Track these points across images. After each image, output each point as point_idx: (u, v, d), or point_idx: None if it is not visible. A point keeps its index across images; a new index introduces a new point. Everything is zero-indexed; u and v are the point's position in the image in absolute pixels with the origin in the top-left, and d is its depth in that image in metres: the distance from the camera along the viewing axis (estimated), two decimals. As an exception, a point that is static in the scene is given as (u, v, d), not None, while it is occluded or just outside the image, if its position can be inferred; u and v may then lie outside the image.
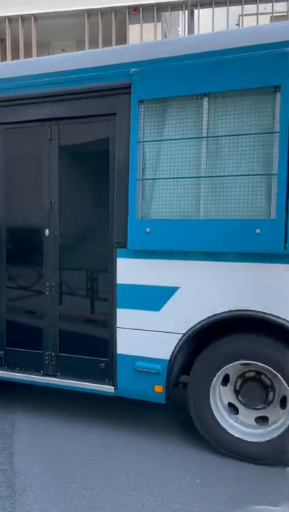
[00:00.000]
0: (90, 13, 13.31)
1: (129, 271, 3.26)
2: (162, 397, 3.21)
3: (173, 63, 3.05)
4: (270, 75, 2.83)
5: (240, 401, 3.17)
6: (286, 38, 2.82)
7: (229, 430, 3.12)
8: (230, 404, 3.21)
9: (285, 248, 2.82)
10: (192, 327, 3.08)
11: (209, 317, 3.04)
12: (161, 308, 3.18)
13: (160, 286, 3.17)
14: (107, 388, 3.38)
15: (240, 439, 3.10)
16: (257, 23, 10.33)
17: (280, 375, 2.94)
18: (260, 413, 3.14)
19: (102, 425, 3.62)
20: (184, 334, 3.10)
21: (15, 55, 16.09)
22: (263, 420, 3.14)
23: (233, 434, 3.12)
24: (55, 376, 3.58)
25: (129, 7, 12.63)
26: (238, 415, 3.18)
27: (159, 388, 3.21)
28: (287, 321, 2.87)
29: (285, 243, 2.81)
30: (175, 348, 3.13)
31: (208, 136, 3.03)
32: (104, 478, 2.89)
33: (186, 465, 3.06)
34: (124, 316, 3.29)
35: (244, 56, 2.88)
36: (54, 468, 2.99)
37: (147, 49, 3.27)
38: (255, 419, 3.15)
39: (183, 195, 3.09)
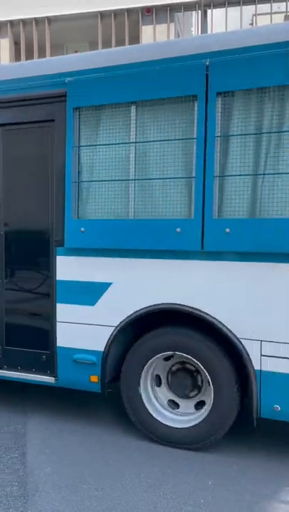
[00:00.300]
0: (103, 14, 13.36)
1: (67, 268, 3.47)
2: (98, 387, 3.41)
3: (103, 73, 3.27)
4: (187, 85, 3.04)
5: (176, 395, 3.37)
6: (201, 51, 3.04)
7: (159, 418, 3.30)
8: (171, 401, 3.39)
9: (202, 247, 3.00)
10: (123, 320, 3.29)
11: (137, 311, 3.25)
12: (96, 303, 3.38)
13: (94, 282, 3.38)
14: (49, 379, 3.58)
15: (169, 426, 3.28)
16: (271, 22, 10.25)
17: (200, 364, 3.14)
18: (197, 398, 3.32)
19: (114, 426, 3.63)
20: (116, 327, 3.31)
21: (29, 58, 16.23)
22: (202, 404, 3.29)
23: (162, 422, 3.29)
24: (1, 368, 3.77)
25: (142, 8, 12.65)
26: (179, 409, 3.37)
27: (94, 378, 3.40)
28: (206, 313, 3.05)
29: (202, 242, 3.00)
30: (108, 340, 3.33)
31: (136, 142, 3.24)
32: (116, 479, 2.89)
33: (198, 467, 3.04)
34: (63, 311, 3.49)
35: (164, 67, 3.10)
36: (66, 469, 3.00)
37: (81, 60, 3.55)
38: (195, 406, 3.32)
39: (114, 196, 3.31)
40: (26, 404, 4.05)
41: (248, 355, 2.98)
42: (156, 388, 3.39)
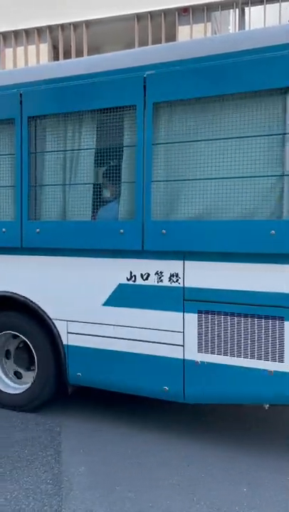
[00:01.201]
0: (140, 16, 13.41)
1: None
2: None
3: None
4: (7, 110, 3.74)
5: (20, 367, 4.10)
6: (17, 82, 3.73)
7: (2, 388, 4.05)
8: (17, 372, 4.14)
9: (21, 244, 3.71)
10: None
11: None
12: None
13: None
14: None
15: (8, 393, 4.01)
16: (311, 18, 9.96)
17: (26, 339, 3.89)
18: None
19: (147, 429, 3.63)
20: None
21: (67, 61, 16.45)
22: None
23: (4, 390, 4.03)
24: None
25: (178, 9, 12.63)
26: (22, 379, 4.10)
27: None
28: (28, 299, 3.77)
29: (21, 240, 3.71)
30: None
31: None
32: (149, 481, 2.90)
33: (233, 473, 3.00)
34: None
35: None
36: (100, 469, 3.04)
37: None
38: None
39: None
40: (63, 402, 4.13)
41: (58, 332, 3.66)
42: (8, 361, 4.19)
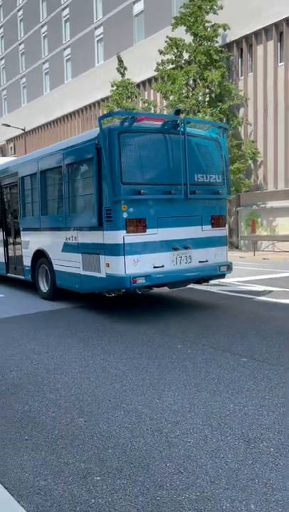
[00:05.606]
0: None
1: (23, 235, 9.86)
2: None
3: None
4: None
5: (45, 280, 8.96)
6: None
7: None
8: (43, 282, 9.02)
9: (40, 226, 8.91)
10: (33, 252, 9.22)
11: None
12: (27, 247, 9.50)
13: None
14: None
15: (43, 291, 9.04)
16: None
17: (47, 268, 8.68)
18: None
19: None
20: (31, 256, 9.28)
21: None
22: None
23: (43, 290, 9.02)
24: None
25: None
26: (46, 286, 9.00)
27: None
28: (44, 250, 8.76)
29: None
30: (31, 260, 9.27)
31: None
32: None
33: None
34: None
35: None
36: None
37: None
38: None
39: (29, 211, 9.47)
40: None
41: (52, 264, 8.44)
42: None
